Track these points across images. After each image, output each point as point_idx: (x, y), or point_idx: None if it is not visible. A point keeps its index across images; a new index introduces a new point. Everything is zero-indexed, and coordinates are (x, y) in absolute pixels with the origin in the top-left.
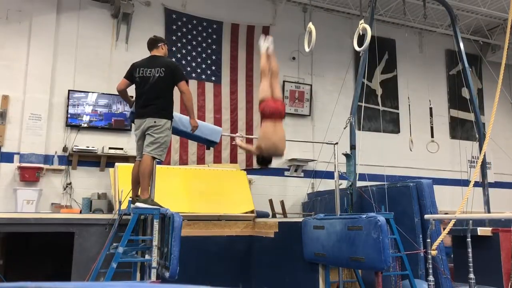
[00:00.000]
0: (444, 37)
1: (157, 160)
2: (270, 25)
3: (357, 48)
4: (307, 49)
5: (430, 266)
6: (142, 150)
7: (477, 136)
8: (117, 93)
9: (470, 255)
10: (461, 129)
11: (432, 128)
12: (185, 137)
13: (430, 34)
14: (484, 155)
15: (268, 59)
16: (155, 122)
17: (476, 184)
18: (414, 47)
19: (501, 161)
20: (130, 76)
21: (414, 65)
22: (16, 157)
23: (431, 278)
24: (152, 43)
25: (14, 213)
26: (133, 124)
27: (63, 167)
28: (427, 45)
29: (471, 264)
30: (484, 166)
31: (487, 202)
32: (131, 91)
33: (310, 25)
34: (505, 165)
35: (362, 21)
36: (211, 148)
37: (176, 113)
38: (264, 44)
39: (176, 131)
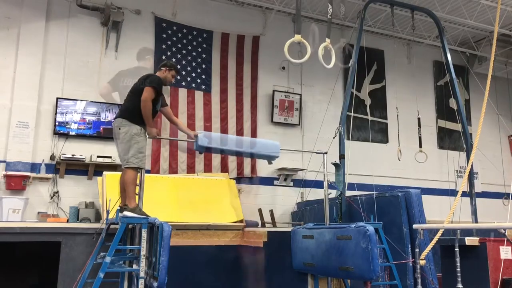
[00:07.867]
0: (432, 49)
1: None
2: (260, 34)
3: (325, 66)
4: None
5: (419, 276)
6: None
7: (464, 146)
8: (105, 101)
9: (458, 264)
10: (448, 139)
11: (420, 138)
12: (245, 156)
13: (418, 45)
14: (472, 165)
15: None
16: (119, 128)
17: (464, 194)
18: (402, 58)
19: (488, 171)
20: None
21: (402, 76)
22: (2, 165)
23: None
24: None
25: None
26: None
27: (50, 175)
28: (415, 56)
29: (459, 274)
30: (471, 176)
31: (474, 212)
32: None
33: (299, 37)
34: (492, 175)
35: (328, 40)
36: (201, 157)
37: (232, 136)
38: None
39: (232, 151)
